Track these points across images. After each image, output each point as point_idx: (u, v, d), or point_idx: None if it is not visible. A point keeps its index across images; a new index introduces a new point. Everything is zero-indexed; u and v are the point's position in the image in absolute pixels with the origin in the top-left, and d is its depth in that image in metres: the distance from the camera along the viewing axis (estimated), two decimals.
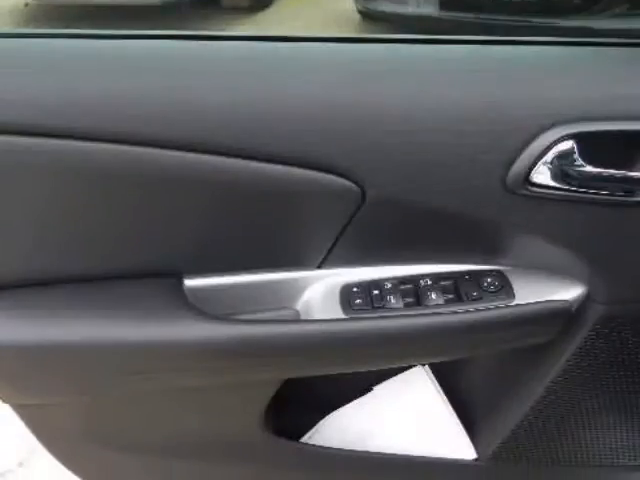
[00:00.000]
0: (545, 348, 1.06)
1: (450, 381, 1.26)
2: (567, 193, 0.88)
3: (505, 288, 0.99)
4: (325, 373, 1.04)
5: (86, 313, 0.95)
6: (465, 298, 0.98)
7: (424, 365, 1.25)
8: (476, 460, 1.25)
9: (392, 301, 0.98)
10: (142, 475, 1.26)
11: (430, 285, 1.00)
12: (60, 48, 0.87)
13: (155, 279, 0.97)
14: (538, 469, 1.27)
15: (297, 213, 0.94)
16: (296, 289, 1.02)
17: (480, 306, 0.98)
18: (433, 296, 0.98)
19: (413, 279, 1.01)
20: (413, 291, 1.00)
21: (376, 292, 0.99)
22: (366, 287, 1.01)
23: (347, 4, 5.06)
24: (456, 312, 0.97)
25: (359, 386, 1.27)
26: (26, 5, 5.71)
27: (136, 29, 0.90)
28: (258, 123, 0.84)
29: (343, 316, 0.98)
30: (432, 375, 1.25)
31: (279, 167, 0.86)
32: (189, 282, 0.98)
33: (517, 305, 0.98)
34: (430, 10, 4.07)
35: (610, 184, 0.87)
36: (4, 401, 1.05)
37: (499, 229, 0.96)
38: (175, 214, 0.92)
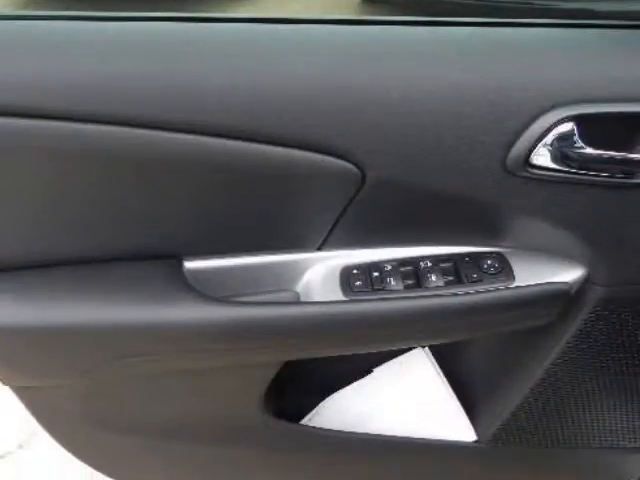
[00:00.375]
0: (545, 330, 1.07)
1: (450, 363, 1.27)
2: (567, 175, 0.88)
3: (505, 270, 0.99)
4: (325, 355, 1.05)
5: (86, 295, 0.95)
6: (465, 280, 0.99)
7: (424, 347, 1.26)
8: (476, 442, 1.26)
9: (392, 283, 0.99)
10: (142, 457, 1.27)
11: (430, 267, 1.00)
12: (60, 30, 0.87)
13: (155, 261, 0.98)
14: (538, 451, 1.28)
15: (297, 195, 0.94)
16: (296, 271, 1.03)
17: (480, 288, 0.98)
18: (433, 278, 0.99)
19: (413, 261, 1.02)
20: (413, 273, 1.01)
21: (376, 274, 1.00)
22: (366, 269, 1.01)
23: None
24: (456, 294, 0.98)
25: (359, 368, 1.28)
26: None
27: (136, 11, 0.91)
28: (258, 105, 0.84)
29: (343, 298, 0.99)
30: (432, 357, 1.26)
31: (279, 149, 0.87)
32: (189, 264, 0.99)
33: (517, 287, 0.99)
34: None
35: (610, 166, 0.88)
36: (4, 383, 1.05)
37: (499, 211, 0.96)
38: (175, 196, 0.93)
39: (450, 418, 1.26)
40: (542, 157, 0.87)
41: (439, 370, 1.26)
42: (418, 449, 1.26)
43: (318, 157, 0.88)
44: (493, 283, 0.99)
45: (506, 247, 1.02)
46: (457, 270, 1.00)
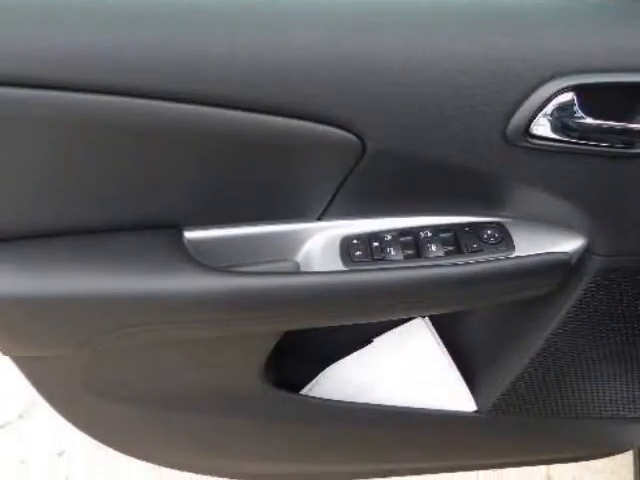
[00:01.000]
0: (545, 300, 1.08)
1: (450, 333, 1.28)
2: (567, 145, 0.89)
3: (505, 240, 1.01)
4: (325, 325, 1.07)
5: (86, 265, 0.97)
6: (465, 250, 1.00)
7: (424, 317, 1.28)
8: (476, 412, 1.28)
9: (392, 253, 1.00)
10: (142, 427, 1.29)
11: (430, 237, 1.02)
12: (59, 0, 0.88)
13: (155, 231, 0.99)
14: (538, 421, 1.30)
15: (297, 165, 0.95)
16: (296, 241, 1.04)
17: (480, 258, 1.00)
18: (433, 248, 1.00)
19: (413, 231, 1.03)
20: (413, 243, 1.02)
21: (376, 244, 1.01)
22: (366, 239, 1.03)
23: None
24: (456, 264, 1.00)
25: (359, 338, 1.29)
26: None
27: None
28: (257, 75, 0.85)
29: (343, 268, 1.00)
30: (432, 327, 1.27)
31: (278, 119, 0.87)
32: (189, 234, 1.00)
33: (517, 257, 1.00)
34: None
35: (610, 136, 0.89)
36: (4, 353, 1.07)
37: (499, 181, 0.97)
38: (175, 166, 0.94)
39: (450, 388, 1.28)
40: (542, 127, 0.88)
41: (439, 340, 1.27)
42: (418, 419, 1.28)
43: (318, 127, 0.88)
44: (493, 253, 1.00)
45: (506, 217, 1.03)
46: (457, 240, 1.01)
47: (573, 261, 1.02)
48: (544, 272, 1.02)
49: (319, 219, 1.03)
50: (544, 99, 0.86)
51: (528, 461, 1.53)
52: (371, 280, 0.99)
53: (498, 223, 1.03)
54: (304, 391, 1.28)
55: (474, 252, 1.00)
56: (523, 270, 1.01)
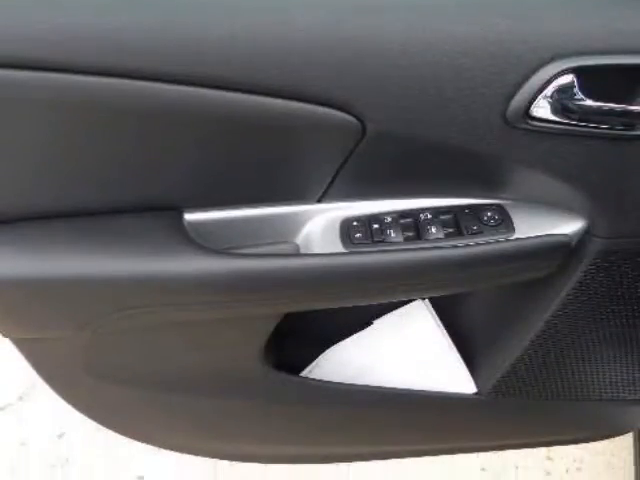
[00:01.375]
0: (545, 282, 1.09)
1: (450, 315, 1.29)
2: (567, 127, 0.90)
3: (505, 222, 1.01)
4: (325, 307, 1.07)
5: (86, 247, 0.97)
6: (465, 232, 1.01)
7: (424, 299, 1.29)
8: (476, 394, 1.29)
9: (392, 235, 1.01)
10: (142, 409, 1.30)
11: (430, 219, 1.02)
12: None
13: (155, 213, 1.00)
14: (538, 403, 1.31)
15: (297, 147, 0.96)
16: (296, 223, 1.04)
17: (480, 240, 1.00)
18: (433, 230, 1.01)
19: (413, 213, 1.03)
20: (413, 225, 1.02)
21: (376, 226, 1.02)
22: (366, 221, 1.03)
23: None
24: (456, 246, 1.00)
25: (359, 320, 1.30)
26: None
27: None
28: (257, 57, 0.85)
29: (343, 250, 1.01)
30: (432, 309, 1.28)
31: (278, 101, 0.88)
32: (189, 216, 1.01)
33: (517, 239, 1.00)
34: None
35: (610, 118, 0.89)
36: (4, 335, 1.08)
37: (499, 163, 0.97)
38: (175, 148, 0.94)
39: (450, 370, 1.29)
40: (542, 109, 0.88)
41: (439, 322, 1.28)
42: (418, 401, 1.29)
43: (318, 109, 0.89)
44: (493, 235, 1.00)
45: (506, 199, 1.04)
46: (457, 222, 1.02)
47: (573, 243, 1.02)
48: (544, 254, 1.02)
49: (319, 201, 1.04)
50: (544, 81, 0.86)
51: (528, 443, 1.54)
52: (371, 262, 1.00)
53: (498, 205, 1.03)
54: (304, 373, 1.30)
55: (474, 234, 1.00)
56: (523, 252, 1.01)
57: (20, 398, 2.32)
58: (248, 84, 0.86)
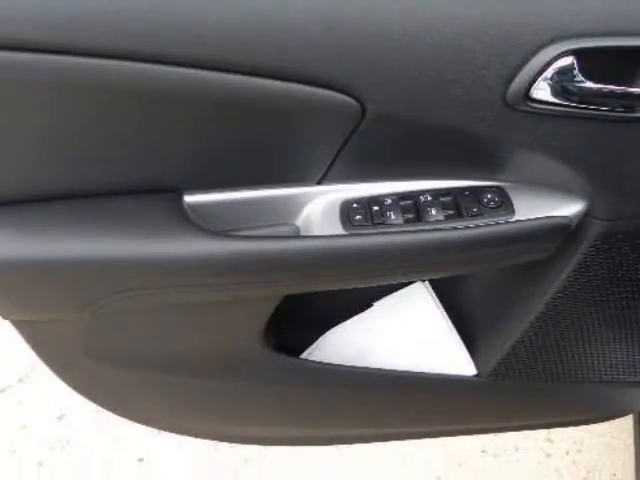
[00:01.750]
0: (545, 264, 1.10)
1: (450, 297, 1.30)
2: (567, 109, 0.90)
3: (505, 204, 1.02)
4: (325, 289, 1.08)
5: (86, 229, 0.98)
6: (465, 214, 1.01)
7: (424, 281, 1.29)
8: (476, 376, 1.30)
9: (392, 217, 1.01)
10: (142, 391, 1.31)
11: (430, 201, 1.02)
12: None
13: (155, 195, 1.00)
14: (538, 385, 1.32)
15: (297, 129, 0.96)
16: (296, 205, 1.05)
17: (480, 222, 1.01)
18: (433, 212, 1.01)
19: (413, 195, 1.04)
20: (413, 207, 1.03)
21: (376, 208, 1.03)
22: (366, 203, 1.04)
23: None
24: (456, 228, 1.01)
25: (359, 302, 1.31)
26: None
27: None
28: (257, 39, 0.85)
29: (343, 232, 1.02)
30: (432, 291, 1.29)
31: (278, 83, 0.88)
32: (189, 198, 1.01)
33: (517, 221, 1.01)
34: None
35: (610, 100, 0.89)
36: (4, 317, 1.08)
37: (499, 145, 0.98)
38: (175, 130, 0.94)
39: (450, 352, 1.30)
40: (542, 91, 0.88)
41: (439, 304, 1.29)
42: (418, 383, 1.30)
43: (318, 91, 0.89)
44: (493, 217, 1.01)
45: (506, 181, 1.04)
46: (457, 204, 1.02)
47: (573, 225, 1.02)
48: (544, 236, 1.03)
49: (319, 183, 1.04)
50: (544, 63, 0.86)
51: (528, 425, 1.56)
52: (371, 244, 1.00)
53: (498, 187, 1.04)
54: (304, 355, 1.31)
55: (474, 216, 1.01)
56: (523, 234, 1.02)
57: (20, 380, 2.33)
58: (248, 66, 0.86)
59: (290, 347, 1.27)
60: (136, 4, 0.83)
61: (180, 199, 1.00)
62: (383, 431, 1.50)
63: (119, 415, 1.37)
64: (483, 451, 2.29)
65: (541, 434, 2.32)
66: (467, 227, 1.01)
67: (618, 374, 1.31)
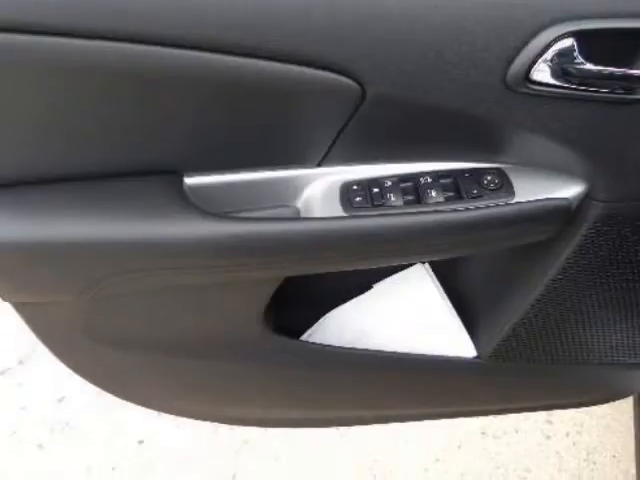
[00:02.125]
0: (545, 246, 1.10)
1: (450, 279, 1.30)
2: (567, 91, 0.90)
3: (505, 186, 1.02)
4: (325, 271, 1.09)
5: (86, 211, 0.98)
6: (465, 196, 1.02)
7: (424, 263, 1.30)
8: (476, 358, 1.31)
9: (392, 199, 1.02)
10: (142, 373, 1.31)
11: (430, 183, 1.03)
12: None
13: (155, 177, 1.00)
14: (538, 367, 1.33)
15: (297, 111, 0.96)
16: (296, 187, 1.05)
17: (480, 204, 1.01)
18: (433, 194, 1.02)
19: (413, 177, 1.04)
20: (413, 189, 1.03)
21: (376, 190, 1.03)
22: (366, 185, 1.04)
23: None
24: (456, 210, 1.01)
25: (359, 284, 1.32)
26: None
27: None
28: (257, 21, 0.85)
29: (343, 214, 1.02)
30: (432, 273, 1.29)
31: (278, 65, 0.88)
32: (189, 180, 1.01)
33: (517, 203, 1.02)
34: None
35: (610, 82, 0.90)
36: (4, 299, 1.09)
37: (499, 127, 0.98)
38: (175, 112, 0.95)
39: (450, 334, 1.30)
40: (542, 73, 0.89)
41: (439, 286, 1.29)
42: (418, 365, 1.31)
43: (318, 73, 0.89)
44: (493, 199, 1.01)
45: (506, 163, 1.05)
46: (457, 186, 1.03)
47: (573, 207, 1.03)
48: (544, 218, 1.03)
49: (319, 165, 1.05)
50: (544, 45, 0.87)
51: (528, 407, 1.56)
52: (371, 226, 1.01)
53: (498, 169, 1.04)
54: (304, 337, 1.31)
55: (474, 198, 1.02)
56: (523, 216, 1.02)
57: (20, 362, 2.34)
58: (248, 48, 0.87)
59: (290, 329, 1.27)
60: None
61: (180, 181, 1.01)
62: (383, 413, 1.51)
63: (119, 397, 1.38)
64: (483, 433, 2.31)
65: (541, 416, 2.34)
66: (467, 209, 1.01)
67: (618, 356, 1.32)
